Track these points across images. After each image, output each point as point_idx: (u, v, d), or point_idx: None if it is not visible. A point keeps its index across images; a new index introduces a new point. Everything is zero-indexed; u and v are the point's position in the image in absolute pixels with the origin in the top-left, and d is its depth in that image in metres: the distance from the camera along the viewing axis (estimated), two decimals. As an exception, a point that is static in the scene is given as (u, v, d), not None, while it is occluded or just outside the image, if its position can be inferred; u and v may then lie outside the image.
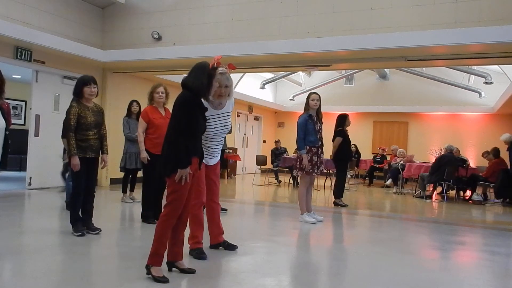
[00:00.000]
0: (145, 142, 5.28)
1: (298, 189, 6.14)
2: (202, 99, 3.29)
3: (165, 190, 3.47)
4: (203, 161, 3.84)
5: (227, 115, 3.91)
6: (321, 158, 5.92)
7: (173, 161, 3.09)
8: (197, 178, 3.46)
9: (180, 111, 3.14)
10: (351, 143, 8.44)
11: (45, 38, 7.72)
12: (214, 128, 3.80)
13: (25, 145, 8.42)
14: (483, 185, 9.75)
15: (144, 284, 3.06)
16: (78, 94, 4.50)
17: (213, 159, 3.97)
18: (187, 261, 3.52)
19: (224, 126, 3.88)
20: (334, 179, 12.25)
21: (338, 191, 7.84)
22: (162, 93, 5.32)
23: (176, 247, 3.32)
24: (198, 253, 3.77)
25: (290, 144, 12.84)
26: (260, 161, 12.15)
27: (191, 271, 3.33)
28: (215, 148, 3.93)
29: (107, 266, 3.66)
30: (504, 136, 9.50)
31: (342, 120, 7.86)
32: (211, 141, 3.86)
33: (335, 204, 7.77)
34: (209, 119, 3.67)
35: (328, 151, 7.85)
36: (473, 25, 6.47)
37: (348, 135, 7.91)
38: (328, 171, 11.20)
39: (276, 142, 12.60)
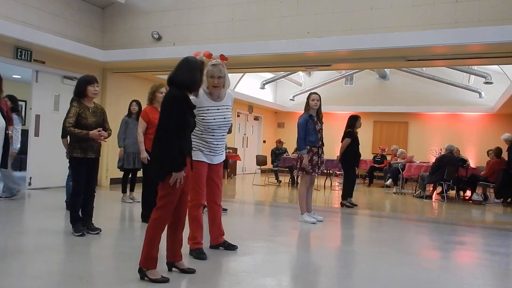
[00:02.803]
0: (145, 142, 5.28)
1: (299, 189, 6.14)
2: (190, 96, 3.25)
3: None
4: (206, 160, 3.84)
5: (227, 108, 3.91)
6: (321, 158, 5.92)
7: (167, 165, 3.02)
8: (194, 178, 3.43)
9: (169, 108, 3.09)
10: None
11: (45, 38, 7.72)
12: (214, 119, 3.79)
13: (25, 145, 8.40)
14: (483, 185, 9.75)
15: (144, 284, 3.06)
16: (80, 93, 4.51)
17: (216, 157, 3.93)
18: (187, 261, 3.52)
19: (224, 118, 3.87)
20: (334, 179, 12.46)
21: (344, 192, 7.80)
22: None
23: (175, 247, 3.31)
24: (198, 253, 3.77)
25: (290, 144, 12.84)
26: (260, 161, 12.14)
27: (191, 271, 3.33)
28: (217, 145, 3.89)
29: (107, 266, 3.66)
30: (505, 135, 9.49)
31: (353, 121, 7.73)
32: (213, 135, 3.83)
33: (342, 205, 7.73)
34: (208, 110, 3.76)
35: (332, 151, 7.83)
36: (473, 25, 6.47)
37: (358, 137, 7.80)
38: (328, 171, 11.19)
39: (278, 142, 12.48)
